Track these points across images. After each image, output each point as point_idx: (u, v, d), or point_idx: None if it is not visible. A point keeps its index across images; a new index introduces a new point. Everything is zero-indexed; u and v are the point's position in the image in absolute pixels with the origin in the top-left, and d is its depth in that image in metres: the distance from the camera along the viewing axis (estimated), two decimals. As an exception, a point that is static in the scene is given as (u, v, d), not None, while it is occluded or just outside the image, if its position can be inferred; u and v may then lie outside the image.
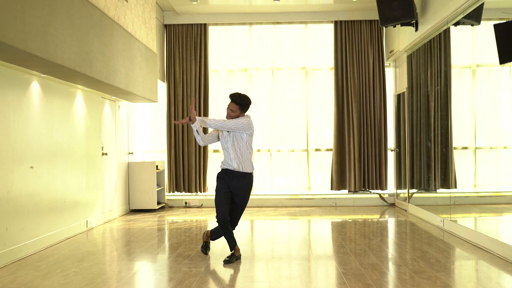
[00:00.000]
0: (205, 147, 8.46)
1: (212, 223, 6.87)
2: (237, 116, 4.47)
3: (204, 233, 4.85)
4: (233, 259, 4.49)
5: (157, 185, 8.11)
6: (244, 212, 7.16)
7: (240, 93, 4.48)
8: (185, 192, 8.52)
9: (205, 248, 4.78)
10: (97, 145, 6.67)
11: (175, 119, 8.41)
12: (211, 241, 4.92)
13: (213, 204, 8.44)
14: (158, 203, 8.27)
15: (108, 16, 5.58)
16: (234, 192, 4.52)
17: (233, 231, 4.55)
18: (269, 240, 5.67)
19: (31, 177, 4.99)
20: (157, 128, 8.95)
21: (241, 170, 4.47)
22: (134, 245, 5.37)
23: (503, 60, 3.34)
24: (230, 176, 4.50)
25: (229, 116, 4.46)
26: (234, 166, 4.46)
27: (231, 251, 4.55)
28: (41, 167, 5.18)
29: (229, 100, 4.50)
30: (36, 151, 5.10)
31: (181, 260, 4.56)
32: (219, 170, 4.63)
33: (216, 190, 4.56)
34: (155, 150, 8.97)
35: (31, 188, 4.99)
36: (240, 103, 4.45)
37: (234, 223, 4.62)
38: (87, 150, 6.32)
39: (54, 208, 5.46)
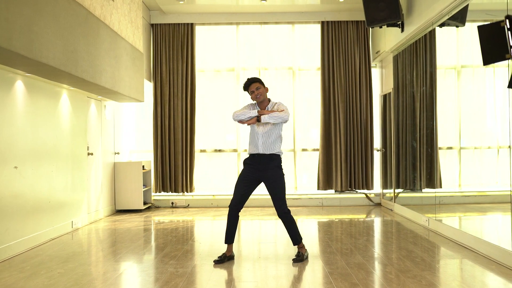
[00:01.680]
0: (191, 148, 8.43)
1: (198, 223, 6.85)
2: (265, 94, 4.50)
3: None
4: (224, 260, 4.47)
5: (143, 185, 8.07)
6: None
7: (251, 77, 4.53)
8: (171, 192, 8.49)
9: (298, 256, 4.52)
10: (82, 145, 6.61)
11: (161, 118, 8.39)
12: (297, 246, 4.60)
13: (200, 204, 8.53)
14: (145, 203, 8.23)
15: (94, 15, 5.53)
16: (266, 181, 4.49)
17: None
18: (256, 240, 5.68)
19: (15, 177, 4.93)
20: (144, 128, 8.90)
21: (267, 152, 4.45)
22: (120, 246, 5.33)
23: (486, 61, 3.38)
24: (257, 161, 4.47)
25: (258, 97, 4.45)
26: (260, 150, 4.44)
27: (225, 242, 4.53)
28: (25, 167, 5.12)
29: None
30: (20, 151, 5.04)
31: (168, 261, 4.54)
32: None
33: (239, 175, 4.58)
34: (141, 150, 8.91)
35: (15, 188, 4.93)
36: (261, 81, 4.51)
37: (277, 210, 4.48)
38: (72, 150, 6.26)
39: (39, 209, 5.40)
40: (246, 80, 4.53)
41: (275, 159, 4.49)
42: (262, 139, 4.44)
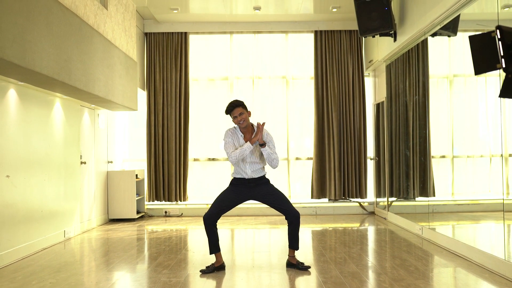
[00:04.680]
0: (185, 156, 8.41)
1: (192, 232, 6.82)
2: (248, 119, 4.45)
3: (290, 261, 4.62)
4: (210, 269, 4.44)
5: (136, 194, 8.03)
6: (224, 221, 7.15)
7: (234, 100, 4.46)
8: (165, 201, 8.46)
9: (294, 266, 4.57)
10: (75, 154, 6.58)
11: (154, 127, 8.39)
12: (294, 255, 4.62)
13: (193, 213, 8.51)
14: (138, 212, 8.19)
15: (88, 24, 5.54)
16: (261, 195, 4.49)
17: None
18: (250, 249, 5.66)
19: (7, 186, 4.89)
20: (137, 136, 8.88)
21: (256, 176, 4.48)
22: (112, 255, 5.29)
23: (478, 71, 3.41)
24: (246, 181, 4.46)
25: (242, 123, 4.39)
26: (249, 176, 4.45)
27: (210, 254, 4.52)
28: (17, 176, 5.09)
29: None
30: (12, 160, 5.01)
31: (161, 270, 4.51)
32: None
33: (223, 191, 4.54)
34: (134, 159, 8.89)
35: (7, 197, 4.89)
36: (244, 104, 4.45)
37: (291, 213, 4.46)
38: (65, 158, 6.23)
39: (31, 218, 5.36)
40: (228, 104, 4.44)
41: (264, 177, 4.57)
42: (251, 168, 4.46)
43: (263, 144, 4.37)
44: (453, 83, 5.79)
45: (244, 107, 4.44)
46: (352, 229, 6.98)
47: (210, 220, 4.41)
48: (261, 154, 4.50)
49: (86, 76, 5.42)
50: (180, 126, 8.42)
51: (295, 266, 4.53)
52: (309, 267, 4.52)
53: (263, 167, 4.57)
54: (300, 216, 4.55)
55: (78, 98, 6.13)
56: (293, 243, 4.55)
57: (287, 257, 4.79)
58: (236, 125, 4.52)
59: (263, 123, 4.39)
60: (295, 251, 4.61)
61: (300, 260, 4.63)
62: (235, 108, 4.39)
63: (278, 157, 4.47)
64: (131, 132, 8.95)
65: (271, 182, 4.66)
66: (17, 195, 5.09)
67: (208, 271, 4.41)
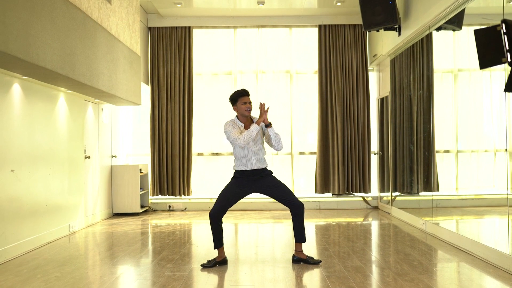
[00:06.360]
0: (189, 151, 8.42)
1: (196, 226, 6.84)
2: None
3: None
4: (211, 263, 4.45)
5: (140, 188, 8.05)
6: (228, 215, 7.16)
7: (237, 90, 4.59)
8: (168, 195, 8.48)
9: (303, 261, 4.55)
10: (79, 148, 6.60)
11: (158, 121, 8.40)
12: (302, 249, 4.60)
13: (197, 207, 8.52)
14: (142, 206, 8.21)
15: (91, 18, 5.53)
16: (265, 187, 4.51)
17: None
18: (253, 243, 5.67)
19: (11, 181, 4.91)
20: (141, 131, 8.89)
21: (261, 167, 4.50)
22: (117, 249, 5.31)
23: (483, 65, 3.40)
24: (250, 173, 4.46)
25: (248, 110, 4.48)
26: (255, 166, 4.47)
27: (214, 248, 4.53)
28: (22, 171, 5.11)
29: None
30: (17, 154, 5.03)
31: (165, 264, 4.53)
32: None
33: (226, 186, 4.55)
34: (138, 153, 8.90)
35: (12, 192, 4.91)
36: None
37: (295, 204, 4.48)
38: (69, 153, 6.25)
39: (35, 212, 5.38)
40: (241, 89, 4.55)
41: (267, 170, 4.58)
42: (256, 156, 4.47)
43: (268, 125, 4.45)
44: (457, 77, 5.76)
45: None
46: (356, 223, 6.98)
47: (216, 216, 4.43)
48: (264, 142, 4.58)
49: (90, 70, 5.42)
50: (184, 120, 8.43)
51: (304, 261, 4.51)
52: (320, 261, 4.52)
53: (265, 158, 4.58)
54: (304, 211, 4.54)
55: (82, 92, 6.14)
56: (300, 236, 4.54)
57: (291, 251, 4.80)
58: (234, 118, 4.57)
59: (268, 107, 4.48)
60: (303, 244, 4.59)
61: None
62: (248, 96, 4.54)
63: (281, 140, 4.56)
64: (135, 126, 8.96)
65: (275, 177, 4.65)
66: (22, 189, 5.11)
67: (209, 266, 4.43)
